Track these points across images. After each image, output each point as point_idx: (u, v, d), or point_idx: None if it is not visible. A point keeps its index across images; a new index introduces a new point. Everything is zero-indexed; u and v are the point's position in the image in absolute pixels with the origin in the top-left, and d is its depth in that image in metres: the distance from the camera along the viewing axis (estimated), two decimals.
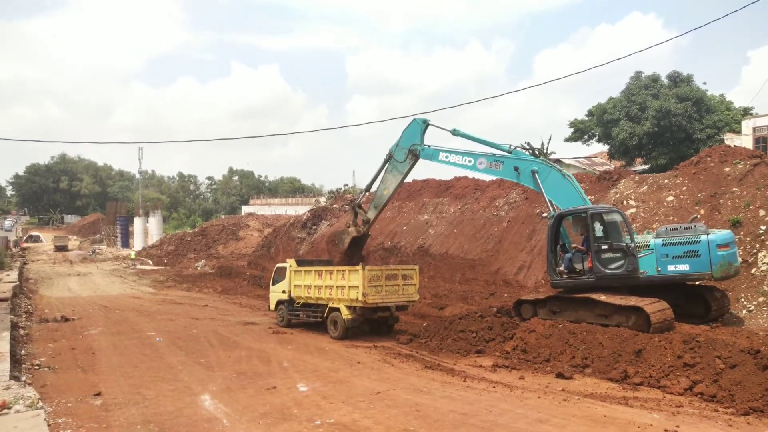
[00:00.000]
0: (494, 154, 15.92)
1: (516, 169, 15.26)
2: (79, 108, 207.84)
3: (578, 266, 14.33)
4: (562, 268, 14.60)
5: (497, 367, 12.74)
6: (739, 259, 13.79)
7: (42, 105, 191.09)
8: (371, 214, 18.44)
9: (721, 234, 13.37)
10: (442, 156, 16.65)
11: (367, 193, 20.64)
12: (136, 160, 77.36)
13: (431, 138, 17.51)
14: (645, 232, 17.12)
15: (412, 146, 17.15)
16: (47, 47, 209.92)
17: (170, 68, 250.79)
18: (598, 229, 14.03)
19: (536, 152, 46.81)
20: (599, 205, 14.59)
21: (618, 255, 13.74)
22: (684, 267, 13.04)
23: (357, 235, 18.52)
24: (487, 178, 28.42)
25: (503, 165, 15.53)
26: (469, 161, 16.12)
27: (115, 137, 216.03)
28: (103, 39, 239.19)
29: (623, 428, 8.54)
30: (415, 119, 17.49)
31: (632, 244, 13.55)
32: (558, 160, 42.84)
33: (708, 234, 13.02)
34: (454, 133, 16.78)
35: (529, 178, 15.07)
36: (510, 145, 15.86)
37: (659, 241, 13.42)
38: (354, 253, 18.84)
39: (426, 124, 17.21)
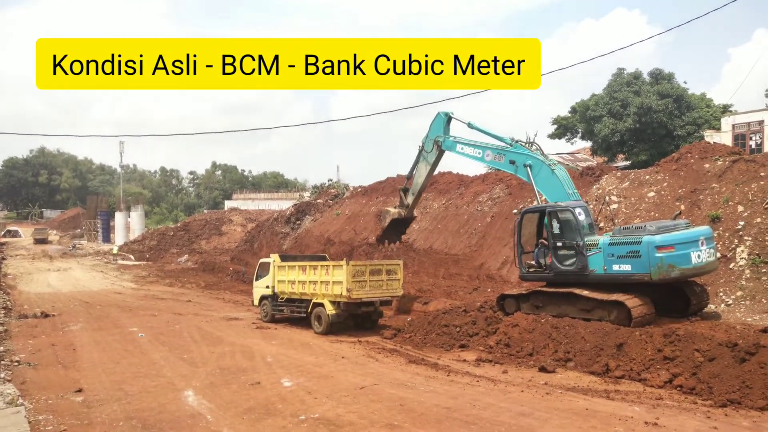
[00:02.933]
0: (499, 147, 16.61)
1: (512, 162, 15.93)
2: (59, 101, 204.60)
3: (542, 261, 14.80)
4: (532, 262, 15.05)
5: (481, 362, 12.84)
6: (698, 260, 12.94)
7: (20, 98, 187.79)
8: (410, 200, 19.94)
9: (665, 235, 12.91)
10: (458, 147, 17.72)
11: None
12: (118, 154, 76.35)
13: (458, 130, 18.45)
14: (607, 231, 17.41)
15: (436, 137, 18.28)
16: (25, 39, 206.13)
17: None
18: (556, 226, 14.43)
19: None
20: (555, 203, 14.76)
21: (571, 252, 14.06)
22: (627, 267, 13.06)
23: (398, 217, 20.27)
24: (473, 172, 29.01)
25: (504, 157, 16.27)
26: (479, 153, 17.07)
27: (95, 131, 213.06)
28: (83, 30, 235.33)
29: (605, 421, 8.66)
30: (439, 112, 18.44)
31: (581, 242, 13.82)
32: None
33: (654, 234, 12.83)
34: (470, 126, 17.76)
35: (524, 171, 15.62)
36: (512, 139, 16.52)
37: (607, 240, 13.60)
38: (395, 231, 20.69)
39: (448, 116, 18.19)
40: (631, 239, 13.12)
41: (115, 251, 53.98)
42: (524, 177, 15.77)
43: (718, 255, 16.74)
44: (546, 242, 14.85)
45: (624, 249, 13.13)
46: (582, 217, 14.24)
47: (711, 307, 15.40)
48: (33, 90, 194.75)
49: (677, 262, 12.62)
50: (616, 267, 13.25)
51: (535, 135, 58.45)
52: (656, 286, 13.06)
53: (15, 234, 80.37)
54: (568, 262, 14.12)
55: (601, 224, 19.52)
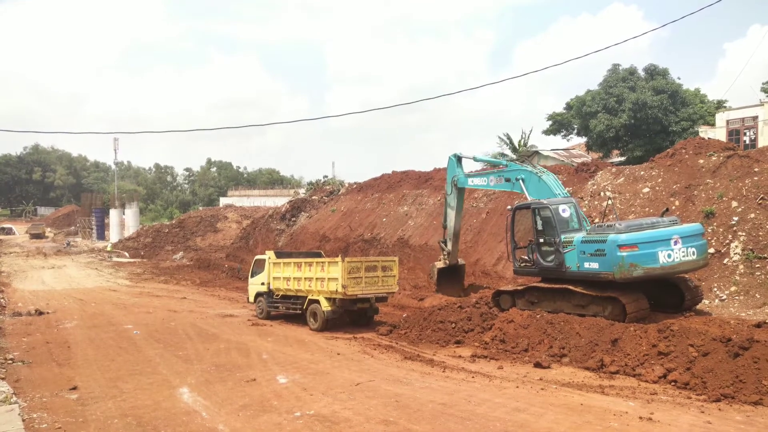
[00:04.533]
0: (498, 171, 17.91)
1: (508, 180, 17.08)
2: (52, 98, 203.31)
3: (530, 256, 15.03)
4: (525, 257, 15.27)
5: (476, 358, 12.86)
6: (668, 260, 12.74)
7: (12, 94, 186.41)
8: (449, 247, 20.53)
9: (629, 234, 12.84)
10: (470, 181, 19.28)
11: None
12: (112, 150, 75.42)
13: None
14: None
15: (452, 178, 19.66)
16: (18, 34, 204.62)
17: (146, 57, 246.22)
18: (539, 223, 14.72)
19: (515, 145, 47.17)
20: (539, 201, 14.97)
21: (552, 249, 14.28)
22: (594, 265, 13.13)
23: (443, 266, 20.65)
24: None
25: (502, 178, 17.45)
26: (485, 181, 18.57)
27: (89, 127, 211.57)
28: (77, 28, 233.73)
29: (599, 416, 8.68)
30: (449, 156, 20.00)
31: (558, 240, 13.99)
32: (536, 152, 43.20)
33: (619, 233, 12.85)
34: (475, 159, 20.46)
35: (518, 186, 16.58)
36: (506, 159, 17.47)
37: (580, 238, 13.66)
38: (451, 283, 20.79)
39: (458, 157, 19.75)
40: (599, 237, 13.20)
41: (109, 248, 53.75)
42: (519, 190, 16.70)
43: (711, 251, 16.83)
44: (533, 239, 15.05)
45: (593, 247, 13.23)
46: (566, 214, 14.41)
47: (705, 302, 15.47)
48: (26, 86, 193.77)
49: (641, 262, 12.54)
50: (587, 264, 13.37)
51: (530, 132, 58.90)
52: (621, 285, 12.98)
53: (9, 231, 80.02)
54: (548, 259, 14.36)
55: (596, 219, 19.58)
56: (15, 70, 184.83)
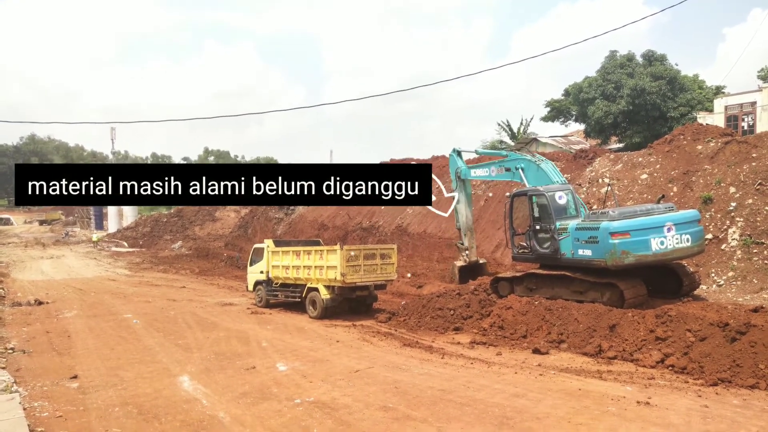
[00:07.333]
0: (498, 161, 18.05)
1: (508, 169, 17.21)
2: (49, 88, 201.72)
3: (528, 243, 15.06)
4: (524, 243, 15.32)
5: (475, 344, 12.91)
6: (661, 247, 12.64)
7: (9, 86, 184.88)
8: (467, 243, 20.13)
9: (621, 222, 12.79)
10: (472, 172, 19.44)
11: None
12: (109, 140, 75.30)
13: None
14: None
15: (456, 171, 19.79)
16: (13, 28, 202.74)
17: (143, 47, 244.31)
18: (536, 210, 14.79)
19: (514, 132, 47.05)
20: (535, 188, 15.00)
21: (547, 236, 14.35)
22: (588, 252, 13.14)
23: (464, 264, 19.98)
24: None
25: (503, 168, 17.58)
26: (486, 172, 18.75)
27: (86, 118, 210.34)
28: (72, 18, 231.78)
29: (597, 401, 8.74)
30: (450, 152, 20.47)
31: (552, 227, 14.04)
32: (535, 139, 43.14)
33: (612, 221, 12.82)
34: (477, 152, 22.05)
35: (518, 175, 16.68)
36: (506, 150, 17.59)
37: (574, 225, 13.66)
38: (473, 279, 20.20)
39: (458, 151, 20.08)
40: (592, 225, 13.18)
41: (95, 239, 53.31)
42: (519, 179, 16.76)
43: (709, 236, 16.88)
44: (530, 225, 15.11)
45: (586, 234, 13.23)
46: (562, 201, 14.42)
47: (703, 287, 15.53)
48: (21, 77, 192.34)
49: (632, 249, 12.50)
50: (581, 252, 13.37)
51: (531, 119, 58.88)
52: (614, 272, 12.97)
53: (7, 222, 79.96)
54: (545, 245, 14.41)
55: (594, 206, 19.59)
56: (10, 63, 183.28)
